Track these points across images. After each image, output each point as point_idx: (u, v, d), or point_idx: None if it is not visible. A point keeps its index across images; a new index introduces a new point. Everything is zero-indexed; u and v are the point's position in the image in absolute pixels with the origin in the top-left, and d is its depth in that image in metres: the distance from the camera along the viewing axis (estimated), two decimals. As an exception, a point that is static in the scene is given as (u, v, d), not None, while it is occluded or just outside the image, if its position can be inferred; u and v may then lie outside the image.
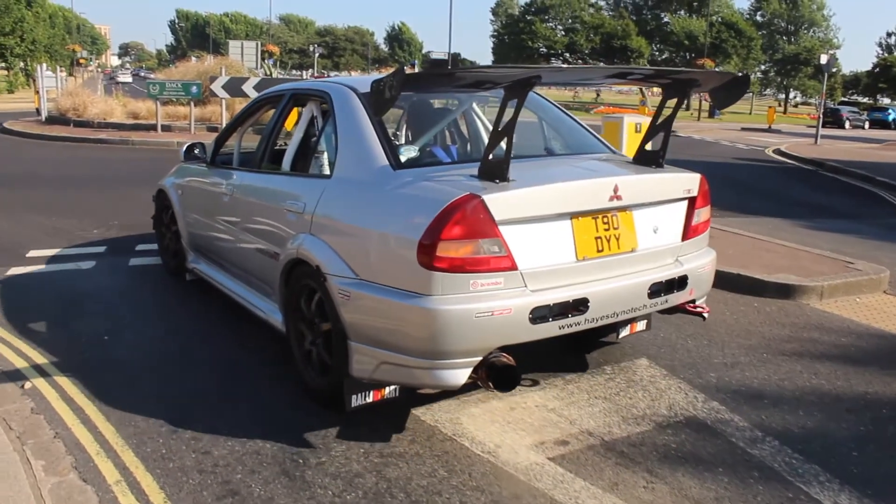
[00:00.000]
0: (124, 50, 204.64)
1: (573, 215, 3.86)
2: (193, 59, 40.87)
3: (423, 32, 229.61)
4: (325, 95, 4.77)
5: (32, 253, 7.90)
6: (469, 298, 3.55)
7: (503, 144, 3.74)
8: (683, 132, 32.13)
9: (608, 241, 3.98)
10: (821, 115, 30.29)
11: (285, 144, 5.38)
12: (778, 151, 23.74)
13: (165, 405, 4.31)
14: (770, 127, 39.08)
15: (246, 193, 5.33)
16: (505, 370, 3.63)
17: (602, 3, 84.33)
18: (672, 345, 5.43)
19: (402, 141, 5.11)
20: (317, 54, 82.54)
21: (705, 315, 4.66)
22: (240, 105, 20.89)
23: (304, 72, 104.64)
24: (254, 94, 19.53)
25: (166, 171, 7.34)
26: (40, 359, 5.04)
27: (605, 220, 3.98)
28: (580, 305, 3.80)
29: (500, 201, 3.57)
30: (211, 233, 5.97)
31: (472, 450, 3.84)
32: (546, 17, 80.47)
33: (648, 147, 4.63)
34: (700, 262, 4.50)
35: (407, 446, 3.88)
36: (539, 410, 4.29)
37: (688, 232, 4.44)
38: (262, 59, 47.41)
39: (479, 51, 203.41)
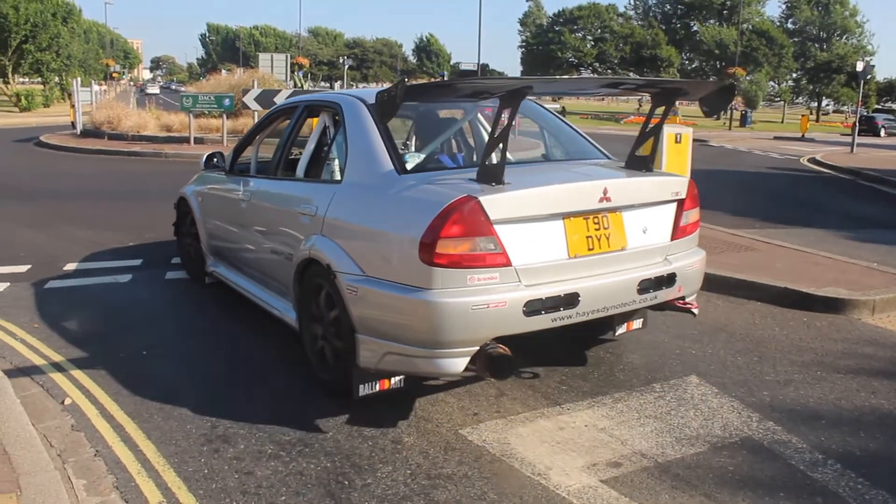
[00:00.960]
0: (156, 63, 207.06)
1: (565, 216, 4.10)
2: (224, 72, 41.36)
3: (452, 44, 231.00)
4: (336, 106, 5.04)
5: (70, 266, 7.92)
6: (467, 292, 3.79)
7: (503, 151, 4.05)
8: (715, 141, 31.82)
9: (598, 240, 4.22)
10: (856, 124, 29.79)
11: (299, 154, 5.63)
12: (813, 161, 23.36)
13: (206, 423, 4.24)
14: (803, 136, 38.58)
15: (263, 199, 5.65)
16: (501, 359, 3.82)
17: (631, 13, 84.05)
18: (721, 361, 5.28)
19: (412, 149, 5.37)
20: (346, 66, 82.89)
21: (694, 312, 4.92)
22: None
23: (334, 83, 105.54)
24: (286, 106, 19.62)
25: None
26: (79, 374, 5.00)
27: (596, 220, 4.22)
28: (572, 300, 4.03)
29: (495, 202, 3.83)
30: (229, 237, 6.29)
31: (521, 472, 3.72)
32: (575, 28, 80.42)
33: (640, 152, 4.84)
34: (688, 260, 4.71)
35: (455, 467, 3.77)
36: (589, 430, 4.16)
37: (676, 232, 4.66)
38: (292, 72, 47.66)
39: (508, 61, 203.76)
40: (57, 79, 57.13)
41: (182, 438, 4.06)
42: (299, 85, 27.71)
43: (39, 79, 59.60)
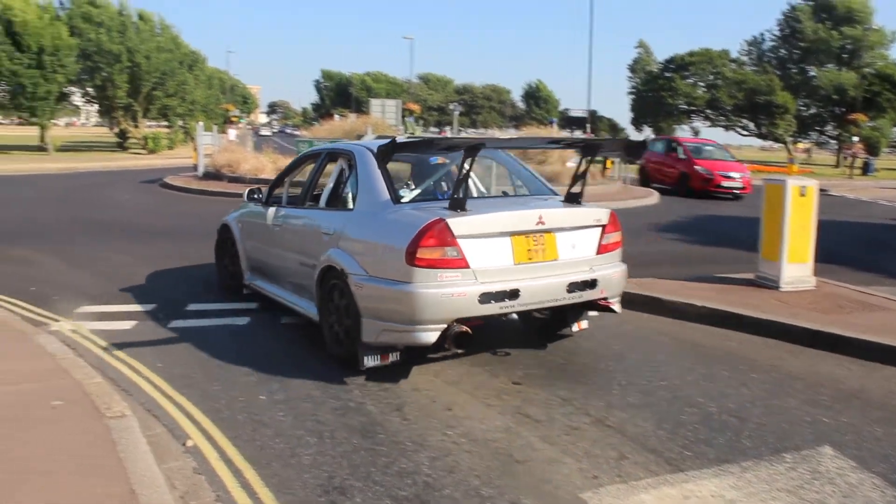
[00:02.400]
0: (272, 108, 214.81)
1: (511, 234, 5.75)
2: (336, 116, 42.48)
3: (561, 90, 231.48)
4: (350, 154, 6.81)
5: (192, 306, 8.18)
6: (437, 285, 5.44)
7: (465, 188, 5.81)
8: (836, 191, 30.53)
9: (536, 252, 5.84)
10: None
11: (320, 190, 7.33)
12: (945, 213, 22.13)
13: (323, 474, 4.24)
14: (932, 185, 36.66)
15: (293, 223, 7.35)
16: (461, 335, 5.53)
17: (745, 59, 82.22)
18: (858, 431, 4.96)
19: (411, 187, 7.00)
20: (456, 112, 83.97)
21: (615, 309, 6.45)
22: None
23: (444, 128, 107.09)
24: (398, 152, 19.93)
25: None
26: (200, 416, 5.11)
27: (534, 238, 5.84)
28: (514, 294, 5.62)
29: (458, 224, 5.52)
30: (264, 254, 7.96)
31: (645, 542, 3.56)
32: (686, 74, 79.22)
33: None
34: (610, 270, 6.28)
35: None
36: (716, 501, 3.95)
37: (600, 249, 6.27)
38: (403, 117, 48.60)
39: (617, 107, 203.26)
40: (181, 123, 59.93)
41: (300, 488, 4.08)
42: (411, 131, 28.15)
43: (165, 123, 62.73)
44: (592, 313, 6.70)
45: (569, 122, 72.68)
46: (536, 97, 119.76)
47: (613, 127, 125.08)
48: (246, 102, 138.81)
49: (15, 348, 6.44)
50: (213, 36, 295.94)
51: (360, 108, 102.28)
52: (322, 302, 6.41)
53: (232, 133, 35.49)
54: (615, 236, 6.46)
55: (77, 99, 61.60)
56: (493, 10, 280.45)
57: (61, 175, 31.02)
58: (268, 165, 23.29)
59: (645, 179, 26.45)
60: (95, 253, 11.53)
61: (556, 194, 6.92)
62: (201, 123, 28.16)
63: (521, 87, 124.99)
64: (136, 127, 55.69)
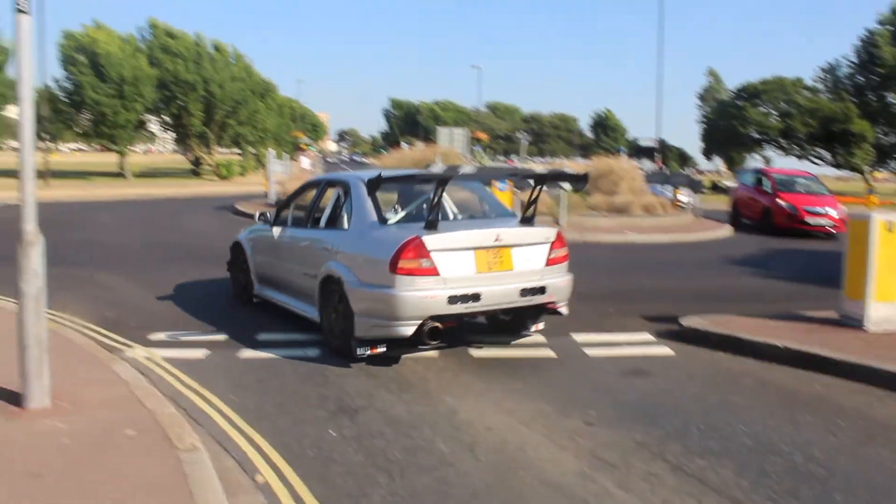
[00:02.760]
0: (341, 136, 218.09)
1: (474, 248, 7.10)
2: (404, 144, 42.73)
3: (629, 118, 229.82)
4: (346, 183, 8.24)
5: (263, 336, 8.23)
6: (415, 289, 6.76)
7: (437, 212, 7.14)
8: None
9: (495, 263, 7.19)
10: None
11: (319, 213, 8.70)
12: None
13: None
14: None
15: (297, 240, 8.74)
16: (434, 329, 6.87)
17: (819, 86, 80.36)
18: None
19: (399, 211, 8.21)
20: (524, 142, 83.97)
21: (562, 312, 7.78)
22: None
23: (511, 157, 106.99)
24: (467, 182, 19.92)
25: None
26: (270, 450, 5.09)
27: (493, 252, 7.19)
28: (476, 297, 6.94)
29: (430, 240, 6.85)
30: (272, 267, 9.31)
31: None
32: (758, 102, 77.80)
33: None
34: (556, 279, 7.59)
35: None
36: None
37: (548, 262, 7.55)
38: (471, 146, 48.71)
39: (686, 136, 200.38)
40: (252, 150, 61.20)
41: (370, 530, 4.00)
42: (479, 160, 28.18)
43: (237, 150, 64.14)
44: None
45: (637, 151, 71.99)
46: (605, 126, 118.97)
47: (682, 156, 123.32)
48: (315, 130, 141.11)
49: (92, 374, 6.55)
50: (284, 65, 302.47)
51: (428, 136, 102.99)
52: (322, 305, 7.78)
53: (305, 161, 36.22)
54: (562, 251, 7.73)
55: (154, 126, 63.41)
56: (561, 38, 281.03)
57: (138, 201, 31.91)
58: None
59: (735, 214, 24.93)
60: (169, 278, 11.72)
61: (514, 216, 8.46)
62: (272, 151, 28.73)
63: (589, 115, 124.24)
64: (210, 154, 57.06)
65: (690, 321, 8.75)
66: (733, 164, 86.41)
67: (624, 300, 10.81)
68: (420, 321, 6.76)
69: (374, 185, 7.54)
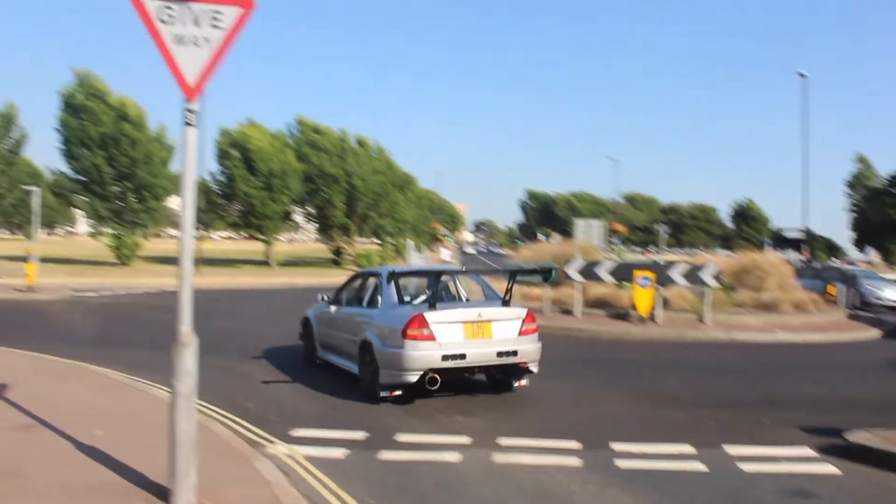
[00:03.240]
0: (477, 227, 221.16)
1: (462, 322, 9.73)
2: (541, 236, 42.77)
3: (772, 207, 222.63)
4: (378, 274, 11.25)
5: (402, 437, 8.11)
6: (418, 350, 9.44)
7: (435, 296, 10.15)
8: None
9: (478, 333, 9.78)
10: None
11: (362, 295, 11.51)
12: None
13: None
14: None
15: (347, 316, 11.53)
16: (432, 379, 9.48)
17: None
18: None
19: (414, 294, 11.70)
20: (665, 234, 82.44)
21: (532, 370, 10.28)
22: (592, 288, 20.97)
23: (648, 248, 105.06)
24: (608, 279, 19.57)
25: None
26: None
27: (477, 325, 9.77)
28: (463, 356, 9.59)
29: (430, 316, 9.57)
30: (329, 336, 12.15)
31: None
32: (916, 190, 73.68)
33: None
34: (526, 346, 10.06)
35: None
36: None
37: (520, 332, 10.02)
38: (609, 238, 48.10)
39: (833, 224, 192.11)
40: (391, 240, 62.76)
41: None
42: (618, 254, 27.72)
43: (377, 240, 65.96)
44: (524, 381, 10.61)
45: (782, 242, 69.26)
46: (746, 216, 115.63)
47: (831, 247, 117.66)
48: (453, 221, 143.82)
49: (235, 471, 6.58)
50: (423, 157, 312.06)
51: (564, 227, 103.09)
52: (360, 361, 10.51)
53: (445, 253, 36.78)
54: (532, 325, 10.29)
55: (298, 216, 66.19)
56: (698, 128, 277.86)
57: (282, 290, 33.04)
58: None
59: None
60: (311, 370, 11.94)
61: (498, 297, 10.89)
62: (412, 243, 29.23)
63: (730, 205, 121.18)
64: (351, 244, 58.86)
65: (857, 436, 8.02)
66: (888, 256, 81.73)
67: (778, 408, 10.13)
68: (422, 372, 9.51)
69: (394, 276, 10.64)
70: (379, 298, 10.64)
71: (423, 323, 9.49)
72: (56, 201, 71.64)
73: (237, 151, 51.27)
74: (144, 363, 12.03)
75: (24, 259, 28.32)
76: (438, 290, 10.60)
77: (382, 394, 9.69)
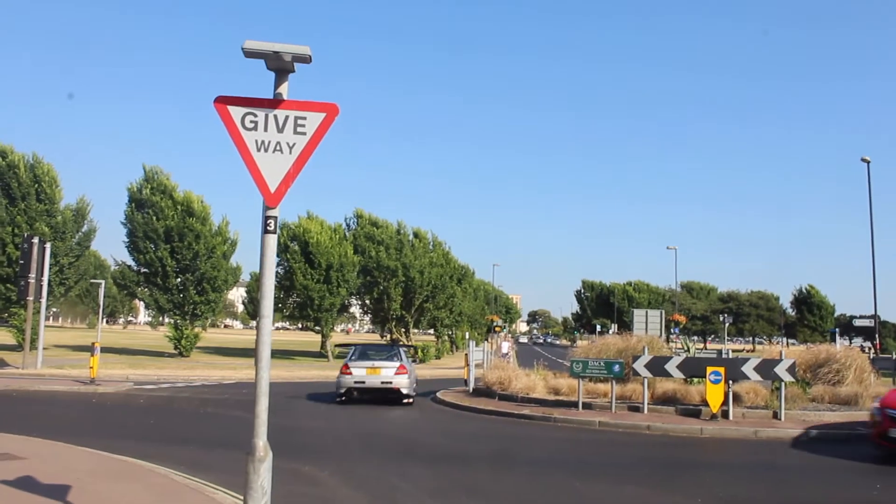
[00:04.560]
0: (532, 317, 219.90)
1: (366, 367, 23.00)
2: (598, 326, 42.01)
3: (835, 293, 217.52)
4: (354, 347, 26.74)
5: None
6: (345, 378, 22.95)
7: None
8: None
9: (374, 371, 22.88)
10: None
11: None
12: None
13: None
14: None
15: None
16: (349, 391, 23.13)
17: None
18: None
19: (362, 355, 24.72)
20: (726, 323, 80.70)
21: (403, 392, 22.67)
22: (660, 383, 20.34)
23: (708, 339, 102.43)
24: (677, 374, 18.93)
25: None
26: None
27: (372, 368, 22.95)
28: (363, 381, 22.75)
29: (350, 365, 23.10)
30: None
31: None
32: None
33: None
34: (400, 380, 22.50)
35: None
36: None
37: (398, 371, 22.62)
38: (667, 328, 47.11)
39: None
40: (449, 332, 62.46)
41: None
42: (685, 345, 27.05)
43: (433, 331, 65.71)
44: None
45: (851, 330, 67.06)
46: (808, 303, 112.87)
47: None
48: (508, 312, 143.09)
49: None
50: (478, 248, 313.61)
51: (621, 317, 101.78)
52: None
53: (505, 346, 36.56)
54: (407, 367, 22.86)
55: (355, 309, 66.43)
56: (756, 216, 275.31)
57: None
58: (539, 384, 23.04)
59: None
60: (379, 477, 11.41)
61: (399, 361, 23.05)
62: (472, 341, 29.07)
63: (791, 292, 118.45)
64: (408, 338, 58.67)
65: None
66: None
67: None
68: (345, 388, 22.52)
69: (360, 349, 24.63)
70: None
71: (348, 367, 22.65)
72: (119, 292, 73.13)
73: (296, 245, 51.98)
74: (205, 462, 11.78)
75: (87, 349, 28.68)
76: (363, 353, 24.26)
77: (337, 399, 22.85)
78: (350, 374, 22.14)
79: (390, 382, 22.08)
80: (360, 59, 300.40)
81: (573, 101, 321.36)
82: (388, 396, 22.44)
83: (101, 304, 40.34)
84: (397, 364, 22.35)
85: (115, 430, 15.77)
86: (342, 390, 22.35)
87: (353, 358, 23.15)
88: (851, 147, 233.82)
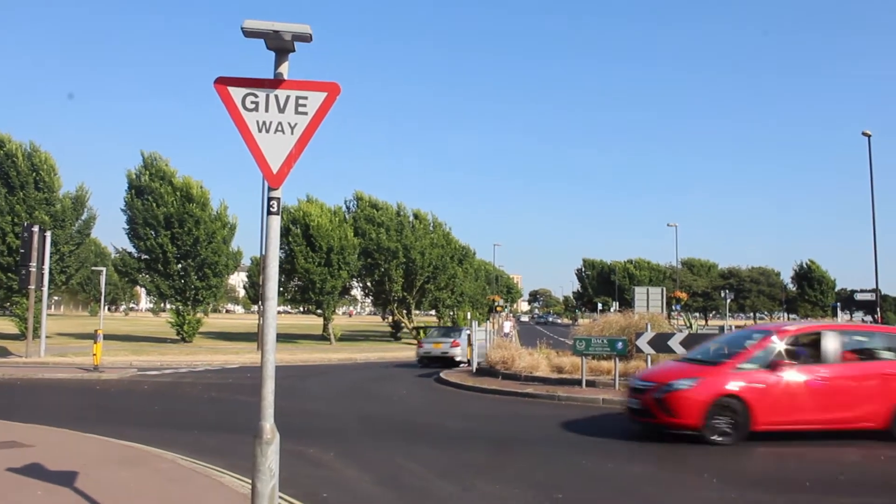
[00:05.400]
0: (533, 296, 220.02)
1: (432, 342, 32.89)
2: (600, 304, 42.10)
3: (836, 268, 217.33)
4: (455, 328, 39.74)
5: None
6: (421, 348, 33.21)
7: None
8: None
9: (437, 345, 32.55)
10: None
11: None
12: None
13: None
14: None
15: None
16: (423, 358, 32.84)
17: None
18: None
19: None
20: (727, 299, 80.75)
21: (457, 362, 30.91)
22: (663, 359, 20.34)
23: (709, 315, 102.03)
24: (680, 350, 18.90)
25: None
26: None
27: (436, 342, 32.75)
28: (429, 352, 32.23)
29: (423, 340, 35.15)
30: None
31: None
32: None
33: None
34: (454, 350, 31.66)
35: None
36: None
37: (452, 345, 31.94)
38: (673, 306, 46.92)
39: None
40: (450, 313, 62.51)
41: None
42: (687, 321, 27.09)
43: (434, 313, 65.76)
44: None
45: (853, 304, 67.06)
46: (809, 278, 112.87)
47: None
48: (510, 292, 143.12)
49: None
50: (479, 229, 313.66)
51: (622, 295, 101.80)
52: None
53: (507, 325, 37.40)
54: (457, 344, 31.70)
55: (356, 291, 66.43)
56: (754, 189, 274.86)
57: (342, 366, 32.89)
58: (542, 362, 23.04)
59: None
60: (385, 458, 11.38)
61: (458, 337, 32.89)
62: (475, 322, 29.53)
63: (792, 267, 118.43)
64: (409, 318, 58.73)
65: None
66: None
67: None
68: (419, 357, 32.41)
69: (432, 330, 36.40)
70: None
71: (420, 343, 32.46)
72: (120, 280, 73.06)
73: (297, 228, 51.90)
74: (211, 446, 11.81)
75: (90, 337, 28.68)
76: (431, 334, 34.15)
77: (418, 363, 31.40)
78: (422, 347, 32.57)
79: (447, 353, 31.29)
80: (359, 46, 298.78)
81: (575, 91, 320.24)
82: (446, 362, 30.95)
83: (103, 291, 40.19)
84: (451, 340, 31.80)
85: (121, 417, 15.79)
86: (418, 359, 32.11)
87: (426, 337, 34.85)
88: (853, 121, 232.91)
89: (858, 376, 12.85)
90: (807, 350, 13.06)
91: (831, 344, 12.86)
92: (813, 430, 12.45)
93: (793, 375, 12.52)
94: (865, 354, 13.35)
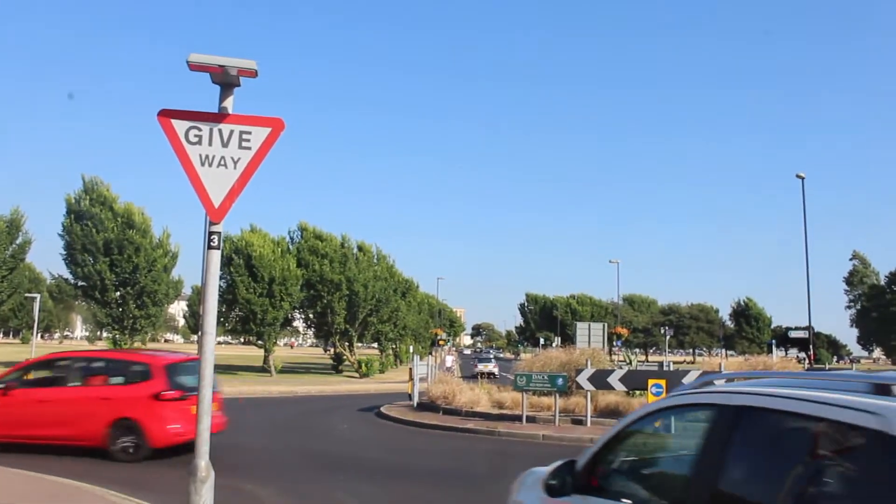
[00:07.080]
0: (476, 330, 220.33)
1: (482, 363, 56.63)
2: (541, 339, 42.67)
3: (772, 306, 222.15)
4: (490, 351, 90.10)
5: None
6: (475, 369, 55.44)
7: None
8: None
9: (485, 365, 54.67)
10: None
11: None
12: None
13: None
14: None
15: None
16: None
17: None
18: None
19: None
20: (667, 336, 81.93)
21: (496, 375, 49.11)
22: (602, 396, 20.53)
23: (649, 351, 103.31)
24: (620, 387, 19.12)
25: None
26: None
27: (484, 363, 56.72)
28: (480, 370, 52.45)
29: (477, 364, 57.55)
30: None
31: None
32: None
33: None
34: (493, 369, 54.96)
35: None
36: None
37: (493, 365, 56.04)
38: (614, 342, 47.50)
39: (835, 321, 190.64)
40: (393, 346, 62.27)
41: None
42: (627, 357, 27.41)
43: (377, 346, 65.45)
44: None
45: (787, 342, 68.52)
46: (746, 315, 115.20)
47: (834, 344, 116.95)
48: (452, 326, 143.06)
49: None
50: (422, 262, 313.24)
51: (564, 330, 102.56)
52: None
53: (449, 360, 37.13)
54: (496, 365, 57.41)
55: (298, 323, 65.80)
56: (696, 231, 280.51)
57: (283, 399, 32.45)
58: (483, 398, 23.07)
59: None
60: (325, 493, 11.30)
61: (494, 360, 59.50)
62: (417, 355, 29.08)
63: (730, 305, 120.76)
64: (352, 352, 58.33)
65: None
66: (893, 353, 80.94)
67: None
68: (473, 373, 46.39)
69: (477, 356, 60.10)
70: None
71: (475, 364, 54.72)
72: (55, 306, 71.32)
73: (239, 258, 51.30)
74: (141, 481, 11.56)
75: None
76: (477, 357, 62.88)
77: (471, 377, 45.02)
78: (476, 367, 49.79)
79: (489, 370, 50.90)
80: (302, 78, 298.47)
81: (512, 117, 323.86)
82: (488, 377, 44.32)
83: (37, 318, 39.23)
84: (493, 362, 50.16)
85: (50, 450, 15.33)
86: (473, 374, 46.43)
87: (475, 359, 48.27)
88: (786, 163, 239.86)
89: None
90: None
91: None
92: None
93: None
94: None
